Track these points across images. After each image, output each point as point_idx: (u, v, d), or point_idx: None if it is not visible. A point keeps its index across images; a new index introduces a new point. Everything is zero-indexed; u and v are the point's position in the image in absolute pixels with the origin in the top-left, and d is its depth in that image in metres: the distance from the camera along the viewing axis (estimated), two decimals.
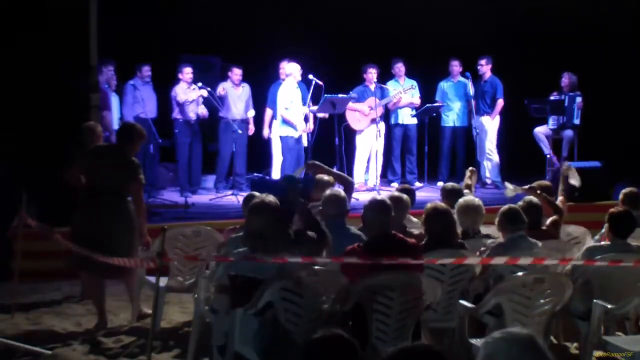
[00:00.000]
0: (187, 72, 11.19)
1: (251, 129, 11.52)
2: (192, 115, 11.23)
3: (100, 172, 6.71)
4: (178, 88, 11.17)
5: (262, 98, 11.55)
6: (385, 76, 11.74)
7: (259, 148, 11.89)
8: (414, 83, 11.67)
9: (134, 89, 11.01)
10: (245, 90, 11.51)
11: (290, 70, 10.89)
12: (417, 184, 11.55)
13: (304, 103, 10.97)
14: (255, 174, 11.78)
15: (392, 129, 11.86)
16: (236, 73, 11.40)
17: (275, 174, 11.26)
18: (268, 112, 11.42)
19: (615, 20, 12.26)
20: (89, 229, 6.54)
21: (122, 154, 6.79)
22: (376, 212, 4.96)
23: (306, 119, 10.95)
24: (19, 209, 7.07)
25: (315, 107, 10.93)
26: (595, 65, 12.06)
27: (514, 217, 5.67)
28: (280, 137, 11.01)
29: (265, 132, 11.47)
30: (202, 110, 11.24)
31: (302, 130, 10.88)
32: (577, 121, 11.50)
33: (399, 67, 11.67)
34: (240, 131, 11.14)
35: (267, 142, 11.59)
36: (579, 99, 11.44)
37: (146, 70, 11.12)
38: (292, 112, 10.86)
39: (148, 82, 11.18)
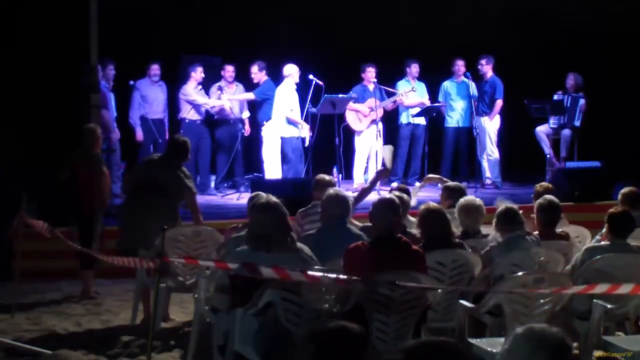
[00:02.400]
0: (200, 72, 11.14)
1: (247, 129, 11.49)
2: (202, 111, 11.24)
3: (152, 182, 7.06)
4: (188, 87, 11.12)
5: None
6: (390, 75, 11.68)
7: (255, 148, 11.89)
8: (422, 85, 11.67)
9: (135, 90, 11.03)
10: (238, 89, 11.49)
11: (289, 72, 10.90)
12: (417, 185, 11.52)
13: (302, 105, 11.00)
14: (255, 174, 11.77)
15: (401, 128, 11.78)
16: (228, 70, 11.38)
17: (270, 174, 11.23)
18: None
19: (615, 21, 12.25)
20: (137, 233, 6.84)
21: (173, 165, 7.17)
22: (384, 210, 4.93)
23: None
24: (19, 209, 7.07)
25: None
26: (596, 65, 12.06)
27: (511, 217, 5.67)
28: (283, 137, 11.01)
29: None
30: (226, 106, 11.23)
31: (308, 131, 10.90)
32: (577, 123, 11.50)
33: (415, 68, 11.63)
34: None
35: (259, 143, 11.55)
36: (582, 101, 11.43)
37: (155, 69, 11.12)
38: (296, 113, 10.90)
39: (157, 81, 11.18)
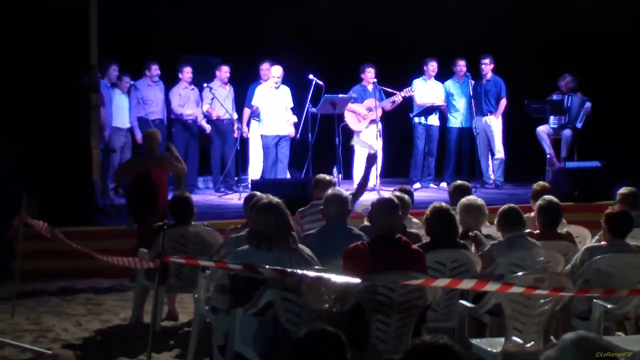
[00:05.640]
0: (187, 72, 11.21)
1: (245, 130, 11.48)
2: (190, 116, 11.29)
3: None
4: (174, 93, 11.21)
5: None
6: (390, 75, 11.66)
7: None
8: (439, 85, 11.65)
9: (135, 90, 11.05)
10: (231, 90, 11.52)
11: (271, 73, 11.02)
12: (416, 185, 11.49)
13: (302, 105, 11.02)
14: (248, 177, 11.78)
15: (416, 127, 11.71)
16: (225, 71, 11.41)
17: (253, 173, 11.27)
18: (246, 112, 11.43)
19: (615, 21, 12.26)
20: None
21: None
22: (384, 211, 4.93)
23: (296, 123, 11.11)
24: (19, 209, 7.07)
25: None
26: (596, 65, 12.06)
27: (513, 217, 5.67)
28: (261, 135, 11.15)
29: (245, 131, 11.42)
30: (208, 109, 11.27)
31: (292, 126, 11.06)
32: (579, 125, 11.48)
33: (432, 66, 11.59)
34: (244, 130, 11.22)
35: (246, 142, 11.53)
36: (588, 104, 11.42)
37: (155, 69, 11.14)
38: (265, 112, 11.03)
39: (156, 81, 11.20)
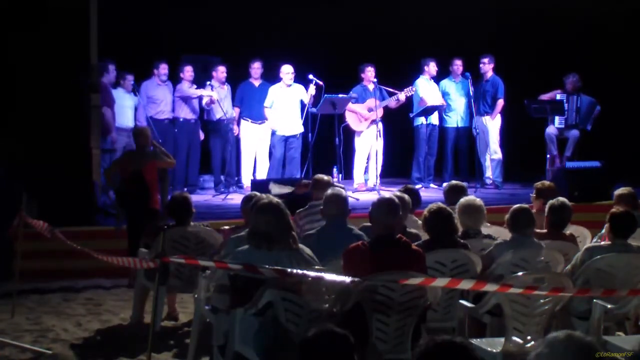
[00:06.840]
0: (187, 71, 11.23)
1: (235, 129, 11.49)
2: (197, 109, 11.31)
3: None
4: (181, 86, 11.23)
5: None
6: (389, 75, 11.66)
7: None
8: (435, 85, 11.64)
9: (142, 90, 11.06)
10: (229, 90, 11.54)
11: (283, 72, 11.04)
12: (418, 186, 11.47)
13: (302, 105, 11.05)
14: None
15: (419, 128, 11.68)
16: (221, 71, 11.42)
17: (246, 173, 11.28)
18: (236, 111, 11.43)
19: (615, 20, 12.25)
20: None
21: None
22: (384, 211, 4.92)
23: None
24: (19, 209, 7.07)
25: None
26: (596, 65, 12.05)
27: (524, 218, 5.65)
28: (271, 134, 11.24)
29: (235, 130, 11.43)
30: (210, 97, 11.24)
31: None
32: (589, 127, 11.46)
33: (433, 67, 11.58)
34: (236, 132, 11.25)
35: (238, 142, 11.53)
36: (598, 108, 11.40)
37: (163, 69, 11.15)
38: (274, 112, 11.06)
39: (165, 81, 11.21)
